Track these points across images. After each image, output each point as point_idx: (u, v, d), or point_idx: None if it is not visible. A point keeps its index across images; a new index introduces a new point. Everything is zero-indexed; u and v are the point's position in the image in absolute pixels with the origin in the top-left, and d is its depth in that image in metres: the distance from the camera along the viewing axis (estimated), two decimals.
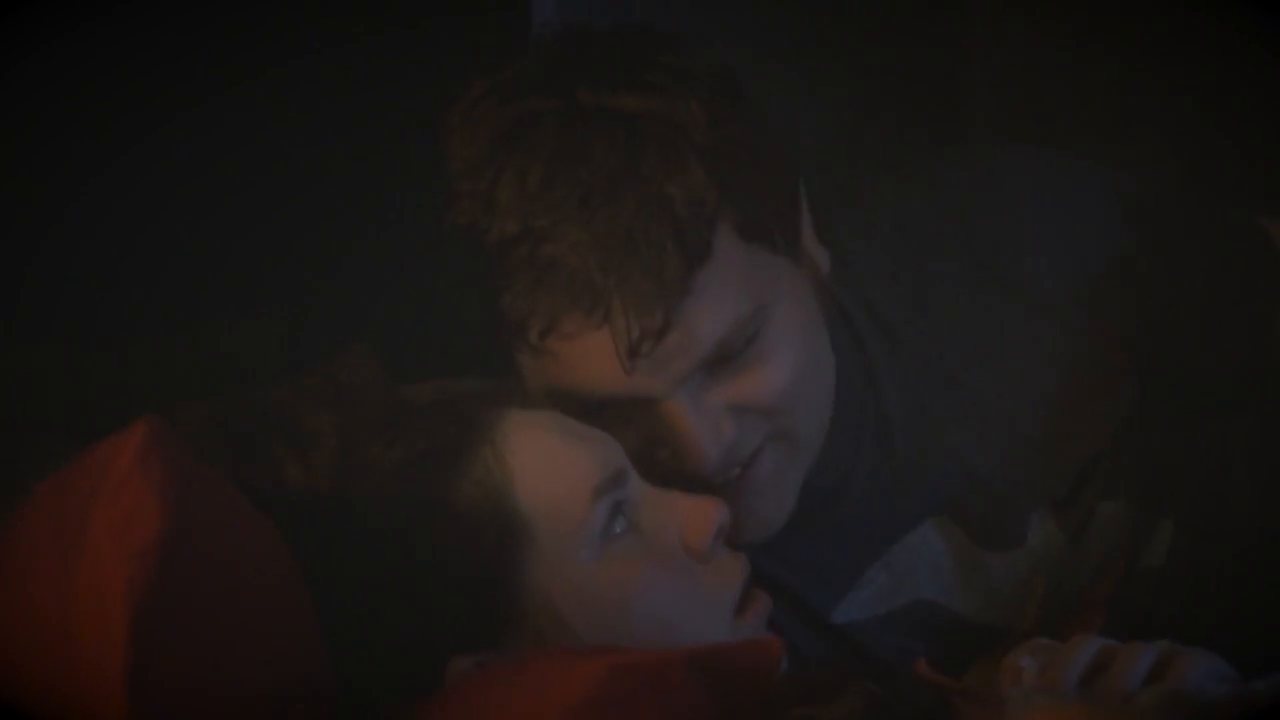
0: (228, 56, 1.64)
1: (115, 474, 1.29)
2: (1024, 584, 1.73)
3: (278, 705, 1.29)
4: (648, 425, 1.55)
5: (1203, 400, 1.79)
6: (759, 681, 1.29)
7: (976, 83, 1.92)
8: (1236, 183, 1.89)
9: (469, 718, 1.30)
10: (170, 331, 1.64)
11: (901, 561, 1.71)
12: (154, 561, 1.26)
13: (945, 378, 1.72)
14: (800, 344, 1.59)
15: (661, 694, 1.27)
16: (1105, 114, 1.83)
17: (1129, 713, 1.36)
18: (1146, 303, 1.76)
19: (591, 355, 1.51)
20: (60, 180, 1.59)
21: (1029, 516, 1.73)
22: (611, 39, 1.58)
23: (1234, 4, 1.86)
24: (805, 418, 1.61)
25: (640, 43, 1.57)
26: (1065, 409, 1.74)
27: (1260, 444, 1.75)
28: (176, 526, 1.28)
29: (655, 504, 1.52)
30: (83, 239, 1.60)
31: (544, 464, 1.49)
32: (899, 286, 1.74)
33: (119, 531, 1.26)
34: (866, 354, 1.72)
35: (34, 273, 1.60)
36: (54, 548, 1.30)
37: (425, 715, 1.33)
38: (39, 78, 1.58)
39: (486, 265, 1.52)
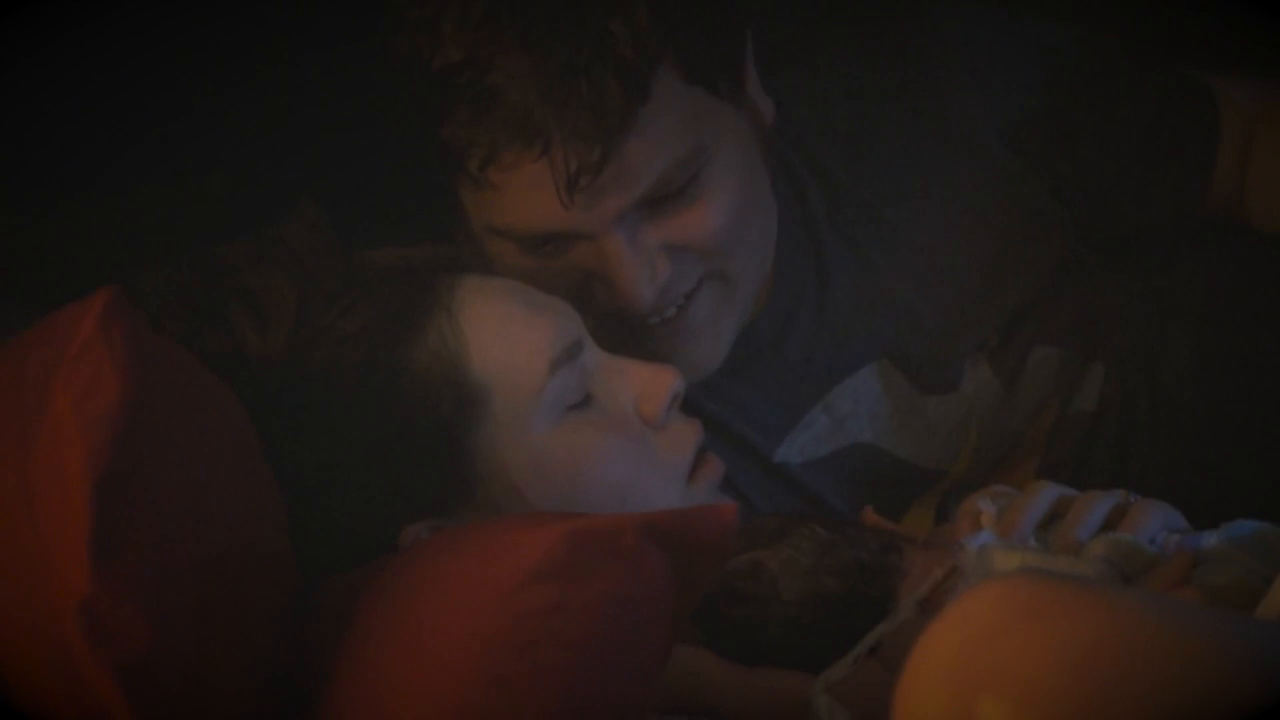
0: None
1: (76, 342, 1.29)
2: (960, 427, 1.76)
3: (238, 569, 1.31)
4: (586, 262, 1.57)
5: (1137, 251, 1.81)
6: (713, 547, 1.30)
7: None
8: (1183, 43, 1.90)
9: (424, 583, 1.32)
10: (119, 196, 1.63)
11: (841, 404, 1.73)
12: (115, 429, 1.26)
13: (883, 224, 1.74)
14: (739, 187, 1.60)
15: (616, 559, 1.28)
16: None
17: (1060, 569, 1.38)
18: (1079, 153, 1.78)
19: (530, 189, 1.52)
20: (12, 51, 1.57)
21: (965, 361, 1.76)
22: None
23: None
24: (742, 260, 1.63)
25: None
26: (1000, 255, 1.76)
27: (1192, 295, 1.77)
28: (137, 395, 1.28)
29: (610, 372, 1.54)
30: (32, 104, 1.59)
31: (500, 332, 1.50)
32: (838, 136, 1.75)
33: (80, 399, 1.27)
34: (807, 201, 1.73)
35: None
36: (15, 413, 1.30)
37: (380, 579, 1.35)
38: None
39: (428, 94, 1.52)
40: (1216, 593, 1.34)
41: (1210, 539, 1.40)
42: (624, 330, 1.60)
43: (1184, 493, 1.53)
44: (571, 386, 1.51)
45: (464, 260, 1.55)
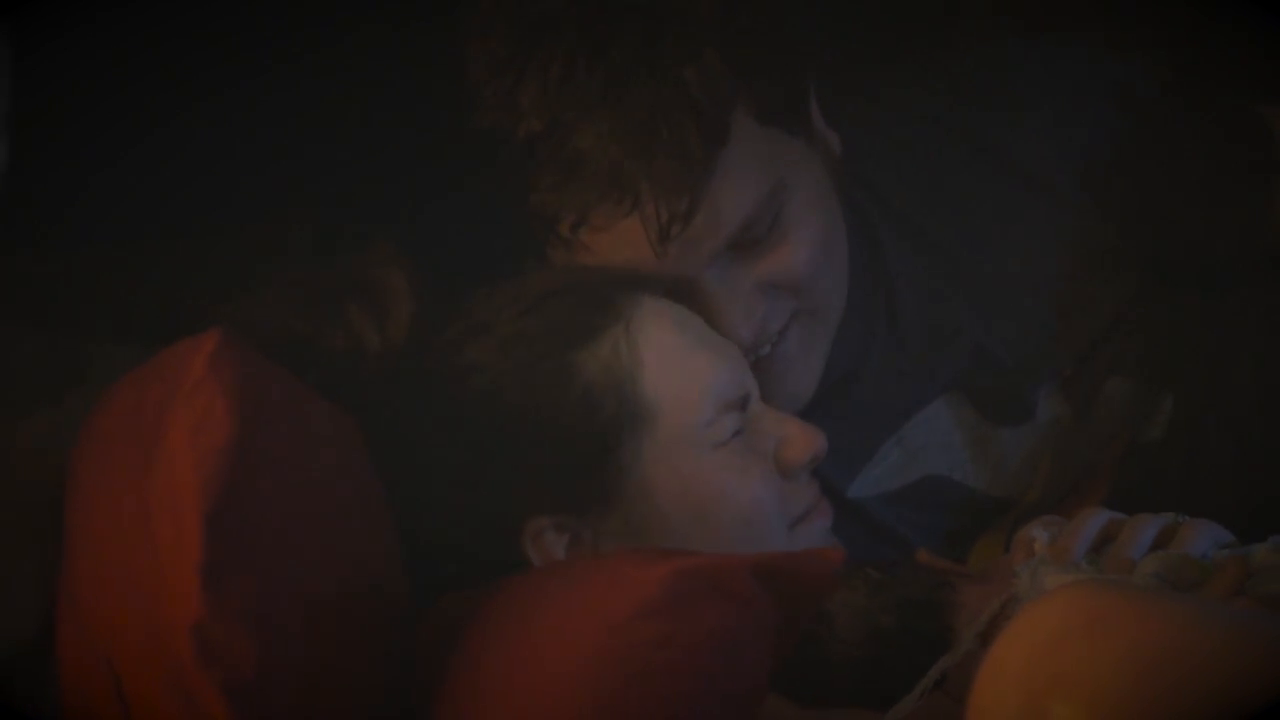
0: None
1: (189, 378, 1.35)
2: (1031, 458, 1.78)
3: (347, 594, 1.36)
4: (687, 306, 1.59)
5: (1202, 281, 1.83)
6: (816, 589, 1.34)
7: None
8: (1233, 73, 1.92)
9: (536, 610, 1.36)
10: (204, 238, 1.67)
11: (914, 437, 1.76)
12: (226, 461, 1.31)
13: (952, 259, 1.76)
14: (820, 221, 1.63)
15: (725, 597, 1.32)
16: (1101, 6, 1.86)
17: (1148, 586, 1.40)
18: (1147, 187, 1.79)
19: (622, 243, 1.55)
20: (112, 93, 1.62)
21: (1037, 392, 1.78)
22: None
23: None
24: (827, 292, 1.66)
25: None
26: (1070, 288, 1.78)
27: (1257, 322, 1.79)
28: (247, 428, 1.33)
29: (763, 418, 1.58)
30: (136, 148, 1.64)
31: (677, 362, 1.54)
32: (902, 170, 1.77)
33: (193, 433, 1.32)
34: (875, 236, 1.75)
35: (92, 180, 1.64)
36: (135, 442, 1.36)
37: (490, 604, 1.39)
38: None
39: (512, 165, 1.55)
40: (1272, 601, 1.36)
41: (1259, 550, 1.43)
42: None
43: (1251, 521, 1.55)
44: (731, 426, 1.55)
45: (644, 279, 1.57)
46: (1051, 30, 1.86)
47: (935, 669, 1.45)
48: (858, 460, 1.75)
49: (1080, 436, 1.80)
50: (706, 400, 1.53)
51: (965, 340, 1.76)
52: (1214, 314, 1.82)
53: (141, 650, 1.31)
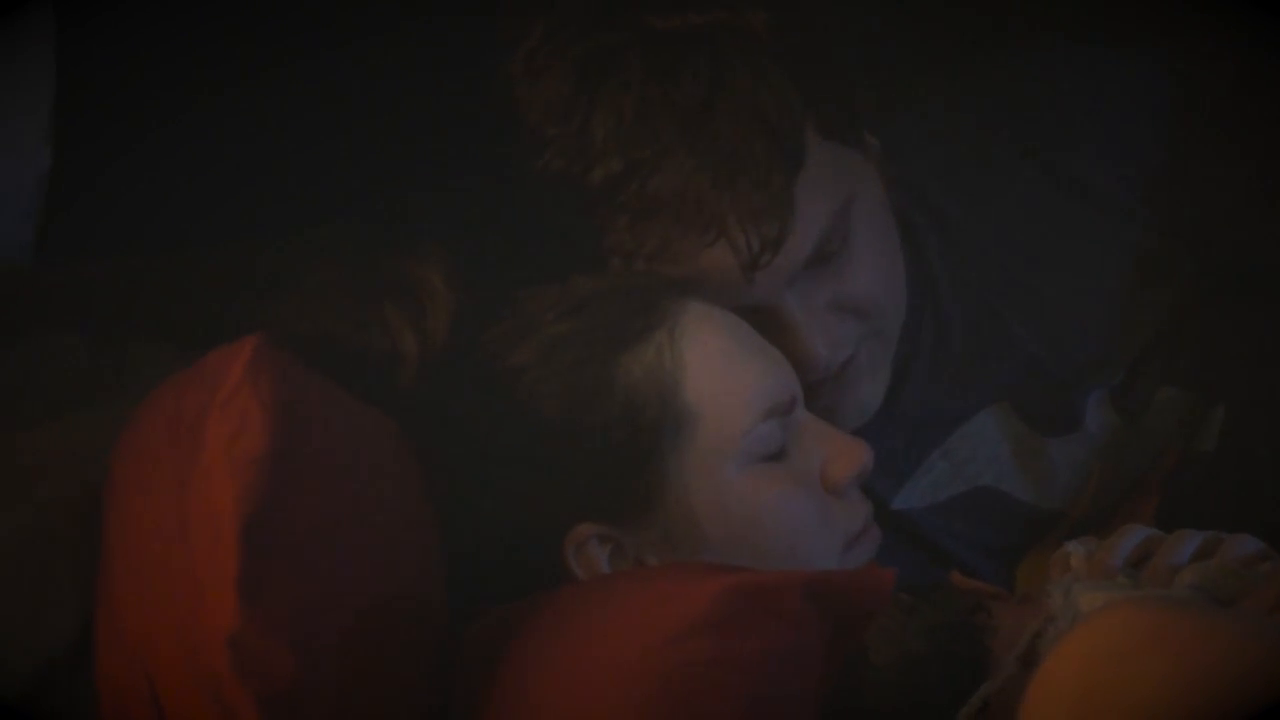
0: None
1: (226, 387, 1.34)
2: (1081, 469, 1.76)
3: (387, 605, 1.35)
4: (761, 330, 1.57)
5: (1256, 290, 1.81)
6: (867, 609, 1.32)
7: None
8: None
9: (583, 624, 1.35)
10: (249, 243, 1.68)
11: (961, 449, 1.75)
12: (262, 471, 1.31)
13: (1000, 268, 1.75)
14: (882, 236, 1.63)
15: (778, 616, 1.30)
16: (1160, 16, 1.84)
17: (1170, 594, 1.38)
18: (1198, 195, 1.78)
19: (702, 274, 1.53)
20: (154, 99, 1.63)
21: (1087, 402, 1.76)
22: None
23: None
24: (892, 311, 1.65)
25: None
26: (1121, 297, 1.77)
27: None
28: (284, 438, 1.33)
29: (809, 432, 1.55)
30: (178, 153, 1.64)
31: (721, 367, 1.51)
32: (951, 179, 1.76)
33: (229, 442, 1.32)
34: (921, 244, 1.74)
35: (134, 185, 1.64)
36: (170, 454, 1.35)
37: (535, 618, 1.37)
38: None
39: (587, 208, 1.52)
40: None
41: None
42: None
43: None
44: (774, 437, 1.52)
45: (691, 285, 1.54)
46: (1105, 39, 1.85)
47: (978, 695, 1.43)
48: (904, 472, 1.74)
49: (1131, 447, 1.78)
50: (751, 406, 1.51)
51: (1013, 350, 1.75)
52: (1267, 324, 1.80)
53: (178, 661, 1.31)
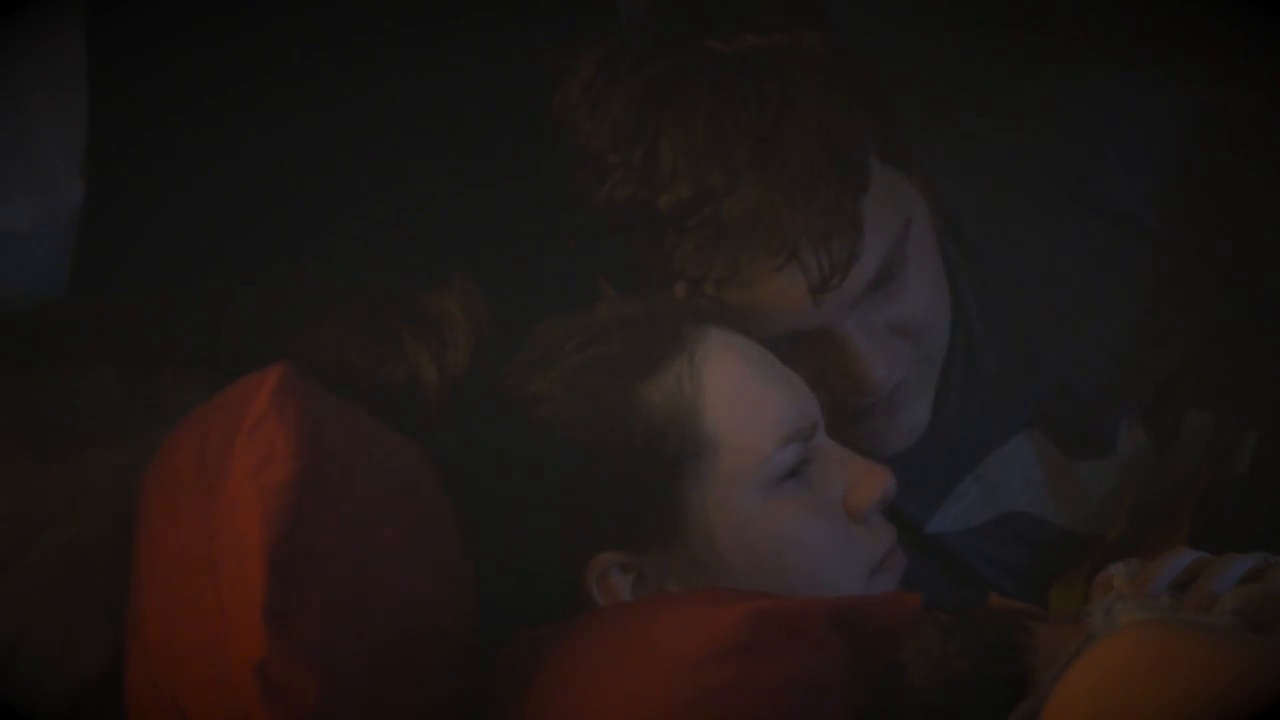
0: (357, 7, 1.67)
1: (252, 415, 1.35)
2: (1114, 493, 1.76)
3: (415, 632, 1.35)
4: (821, 354, 1.58)
5: None
6: (893, 634, 1.32)
7: (1052, 4, 1.94)
8: None
9: (608, 649, 1.35)
10: (285, 267, 1.69)
11: (993, 474, 1.74)
12: (288, 499, 1.32)
13: (1030, 292, 1.75)
14: (931, 260, 1.63)
15: (802, 641, 1.30)
16: (1189, 39, 1.84)
17: (1223, 626, 1.38)
18: (1227, 217, 1.77)
19: (769, 298, 1.53)
20: (183, 132, 1.64)
21: (1118, 426, 1.76)
22: None
23: None
24: (940, 334, 1.65)
25: None
26: (1151, 320, 1.76)
27: None
28: (310, 466, 1.33)
29: (830, 458, 1.55)
30: (205, 184, 1.65)
31: (740, 393, 1.51)
32: (980, 204, 1.76)
33: (256, 470, 1.33)
34: (953, 270, 1.73)
35: (165, 217, 1.65)
36: (198, 483, 1.36)
37: (561, 644, 1.38)
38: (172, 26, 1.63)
39: (653, 234, 1.52)
40: None
41: None
42: (843, 414, 1.61)
43: None
44: (795, 460, 1.52)
45: (712, 312, 1.54)
46: (1132, 60, 1.85)
47: (1015, 716, 1.42)
48: (936, 497, 1.74)
49: (1162, 471, 1.78)
50: (773, 431, 1.51)
51: (1045, 374, 1.75)
52: None
53: (206, 688, 1.31)
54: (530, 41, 1.61)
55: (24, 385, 1.53)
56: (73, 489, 1.46)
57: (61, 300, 1.62)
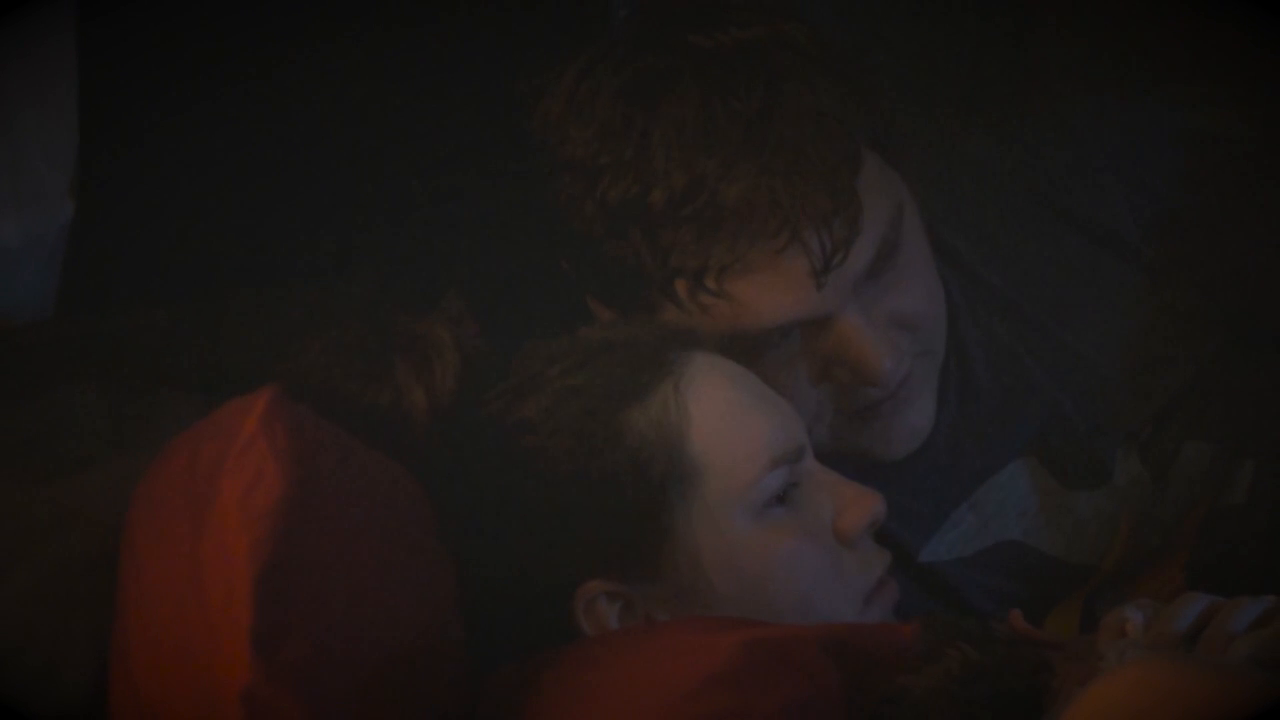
0: (342, 24, 1.67)
1: (241, 438, 1.35)
2: (1110, 522, 1.75)
3: (403, 659, 1.34)
4: (825, 347, 1.58)
5: None
6: (886, 664, 1.31)
7: (1049, 26, 1.94)
8: None
9: (600, 679, 1.34)
10: (277, 288, 1.68)
11: (988, 502, 1.73)
12: (277, 523, 1.31)
13: (1026, 319, 1.74)
14: (924, 253, 1.63)
15: (795, 670, 1.30)
16: (1184, 64, 1.84)
17: (1225, 663, 1.36)
18: (1223, 245, 1.77)
19: (771, 285, 1.52)
20: (173, 149, 1.64)
21: (1114, 455, 1.75)
22: None
23: None
24: (937, 328, 1.65)
25: None
26: (1147, 349, 1.75)
27: None
28: (298, 490, 1.33)
29: (818, 483, 1.54)
30: (200, 204, 1.65)
31: (726, 417, 1.50)
32: (971, 227, 1.75)
33: (244, 494, 1.32)
34: (947, 288, 1.72)
35: (154, 238, 1.65)
36: (185, 506, 1.36)
37: (552, 673, 1.37)
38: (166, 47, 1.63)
39: (648, 231, 1.52)
40: None
41: None
42: (849, 412, 1.61)
43: None
44: (785, 488, 1.51)
45: (699, 337, 1.54)
46: (1127, 86, 1.85)
47: None
48: (930, 525, 1.73)
49: (1159, 501, 1.77)
50: (758, 456, 1.50)
51: (1040, 402, 1.74)
52: None
53: (193, 714, 1.30)
54: (525, 58, 1.61)
55: (12, 406, 1.53)
56: (60, 510, 1.46)
57: (49, 321, 1.62)
